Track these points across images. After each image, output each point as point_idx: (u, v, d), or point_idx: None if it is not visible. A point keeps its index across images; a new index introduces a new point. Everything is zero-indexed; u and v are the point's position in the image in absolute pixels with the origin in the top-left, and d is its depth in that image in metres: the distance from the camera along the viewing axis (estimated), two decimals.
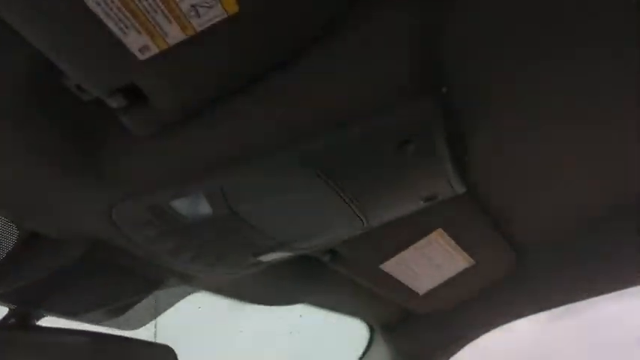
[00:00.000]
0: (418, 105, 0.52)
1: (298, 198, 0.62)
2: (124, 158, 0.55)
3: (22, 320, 0.75)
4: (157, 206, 0.59)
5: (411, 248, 1.01)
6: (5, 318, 0.75)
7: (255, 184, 0.58)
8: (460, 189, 0.70)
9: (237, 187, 0.58)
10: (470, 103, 0.67)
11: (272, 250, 0.75)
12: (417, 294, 1.20)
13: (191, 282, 0.82)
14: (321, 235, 0.74)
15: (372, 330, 1.52)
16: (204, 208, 0.61)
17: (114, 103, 0.46)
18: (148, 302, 0.93)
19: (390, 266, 1.04)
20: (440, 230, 0.99)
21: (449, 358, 1.51)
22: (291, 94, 0.52)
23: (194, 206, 0.60)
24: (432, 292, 1.21)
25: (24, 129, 0.49)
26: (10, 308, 0.75)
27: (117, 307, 0.82)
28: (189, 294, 1.00)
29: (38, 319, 0.79)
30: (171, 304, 0.98)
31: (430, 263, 1.09)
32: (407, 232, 0.98)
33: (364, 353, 1.57)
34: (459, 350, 1.50)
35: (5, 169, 0.52)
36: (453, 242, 1.05)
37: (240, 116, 0.53)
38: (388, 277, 1.08)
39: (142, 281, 0.75)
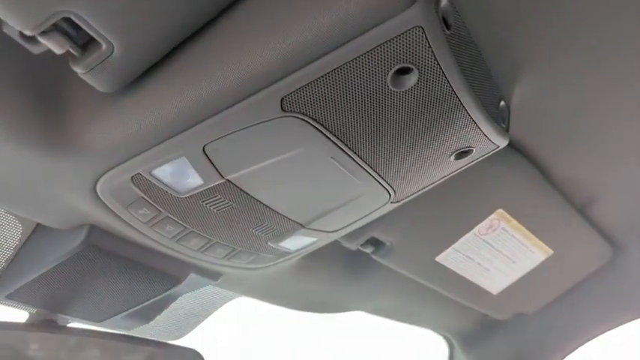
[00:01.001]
0: (408, 16, 0.43)
1: (295, 158, 0.53)
2: (94, 121, 0.50)
3: (46, 322, 0.73)
4: (140, 177, 0.54)
5: (470, 235, 0.89)
6: (29, 320, 0.73)
7: (240, 141, 0.50)
8: (501, 141, 0.58)
9: (221, 146, 0.51)
10: (496, 25, 0.56)
11: (290, 232, 0.66)
12: (491, 294, 1.05)
13: (215, 278, 0.76)
14: (342, 212, 0.65)
15: (450, 345, 1.37)
16: (193, 177, 0.54)
17: (55, 45, 0.41)
18: (181, 307, 0.88)
19: (448, 258, 0.92)
20: (501, 211, 0.86)
21: None
22: (260, 25, 0.45)
23: (179, 174, 0.54)
24: (509, 292, 1.06)
25: None
26: (30, 313, 0.73)
27: (143, 311, 0.78)
28: (231, 299, 0.94)
29: (64, 324, 0.76)
30: (210, 311, 0.93)
31: (498, 254, 0.95)
32: (461, 216, 0.86)
33: None
34: None
35: None
36: (521, 227, 0.91)
37: (206, 60, 0.46)
38: (449, 273, 0.95)
39: (156, 276, 0.70)
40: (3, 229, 0.65)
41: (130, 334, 0.84)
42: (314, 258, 0.85)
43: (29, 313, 0.72)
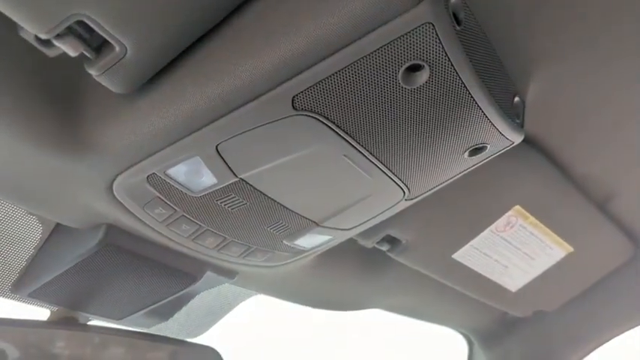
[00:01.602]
0: (418, 13, 0.42)
1: (308, 157, 0.53)
2: (109, 122, 0.51)
3: (67, 319, 0.75)
4: (155, 177, 0.54)
5: (487, 232, 0.88)
6: (50, 317, 0.74)
7: (252, 140, 0.51)
8: (516, 138, 0.58)
9: (234, 145, 0.51)
10: (510, 20, 0.56)
11: (305, 230, 0.66)
12: (509, 291, 1.04)
13: (231, 276, 0.76)
14: (357, 210, 0.65)
15: (470, 342, 1.36)
16: (207, 176, 0.55)
17: (69, 48, 0.42)
18: (199, 306, 0.89)
19: (465, 256, 0.91)
20: (518, 208, 0.85)
21: None
22: (269, 25, 0.45)
23: (194, 174, 0.55)
24: (528, 289, 1.05)
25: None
26: (51, 310, 0.75)
27: (161, 309, 0.79)
28: (247, 297, 0.94)
29: (85, 322, 0.77)
30: (227, 309, 0.93)
31: (517, 252, 0.94)
32: (478, 213, 0.85)
33: None
34: None
35: None
36: (539, 223, 0.90)
37: (217, 60, 0.47)
38: (467, 270, 0.94)
39: (174, 274, 0.71)
40: (24, 229, 0.66)
41: (150, 331, 0.85)
42: (330, 255, 0.85)
43: (50, 310, 0.74)
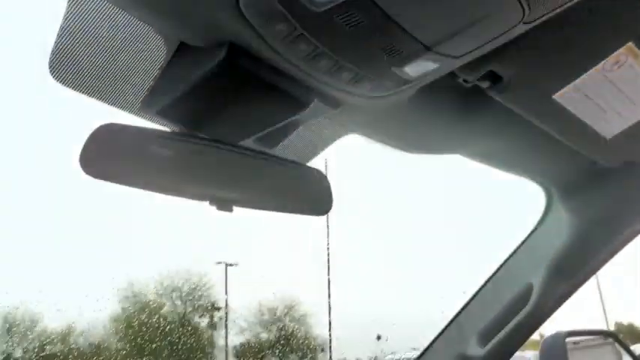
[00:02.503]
0: None
1: None
2: None
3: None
4: None
5: (593, 72, 0.85)
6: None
7: None
8: None
9: None
10: None
11: (414, 55, 0.67)
12: (604, 138, 1.03)
13: (336, 106, 0.80)
14: (471, 33, 0.64)
15: (549, 194, 1.38)
16: None
17: None
18: (304, 136, 0.94)
19: (566, 97, 0.90)
20: (630, 45, 0.82)
21: None
22: None
23: None
24: (623, 137, 1.03)
25: None
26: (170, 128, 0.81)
27: (270, 135, 0.84)
28: (345, 134, 0.98)
29: None
30: (328, 143, 0.98)
31: (619, 95, 0.92)
32: (586, 49, 0.83)
33: (540, 221, 1.43)
34: None
35: None
36: None
37: None
38: (565, 113, 0.93)
39: (286, 99, 0.75)
40: (150, 48, 0.71)
41: None
42: (429, 93, 0.86)
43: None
